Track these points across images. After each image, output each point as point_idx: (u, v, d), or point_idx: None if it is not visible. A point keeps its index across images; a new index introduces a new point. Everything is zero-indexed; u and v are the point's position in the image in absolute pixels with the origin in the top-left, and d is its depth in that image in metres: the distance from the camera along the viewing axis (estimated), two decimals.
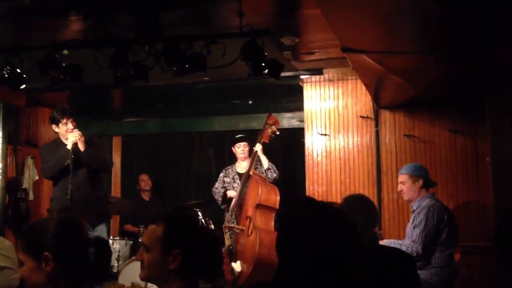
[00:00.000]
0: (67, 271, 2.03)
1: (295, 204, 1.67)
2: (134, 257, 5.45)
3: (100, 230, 4.95)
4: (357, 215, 2.63)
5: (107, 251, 2.31)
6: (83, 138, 4.80)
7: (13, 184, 6.02)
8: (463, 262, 4.90)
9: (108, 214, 5.28)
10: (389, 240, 4.43)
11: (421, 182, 4.15)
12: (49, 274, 2.01)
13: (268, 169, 5.76)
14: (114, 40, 3.82)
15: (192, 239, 2.14)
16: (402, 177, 4.25)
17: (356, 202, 2.93)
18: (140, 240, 5.64)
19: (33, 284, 2.04)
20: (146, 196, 7.11)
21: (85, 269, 2.08)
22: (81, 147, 4.79)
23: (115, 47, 3.78)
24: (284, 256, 1.58)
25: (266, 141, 5.70)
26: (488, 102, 4.47)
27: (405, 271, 2.72)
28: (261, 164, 5.84)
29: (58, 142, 4.98)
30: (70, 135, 4.80)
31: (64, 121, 4.87)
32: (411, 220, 4.12)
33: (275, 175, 5.77)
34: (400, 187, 4.26)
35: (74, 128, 4.86)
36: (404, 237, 4.40)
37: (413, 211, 4.15)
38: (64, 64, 4.03)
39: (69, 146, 4.77)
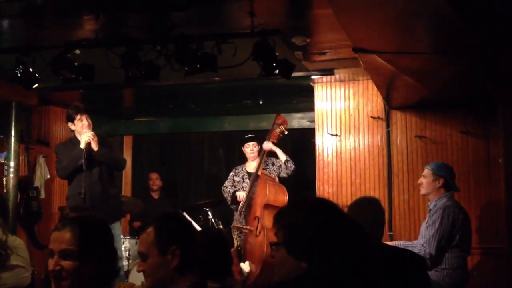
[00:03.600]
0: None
1: (321, 206, 1.69)
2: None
3: (116, 228, 5.01)
4: (362, 218, 2.58)
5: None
6: (96, 138, 4.85)
7: (25, 183, 6.06)
8: (475, 264, 4.86)
9: (122, 211, 5.35)
10: (399, 242, 4.40)
11: (441, 181, 4.10)
12: None
13: (287, 160, 5.75)
14: (126, 39, 3.84)
15: (185, 233, 2.17)
16: (425, 171, 4.25)
17: (365, 205, 2.91)
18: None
19: None
20: (155, 195, 7.14)
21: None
22: (95, 146, 4.85)
23: (126, 46, 3.79)
24: (317, 256, 1.60)
25: (275, 141, 5.70)
26: (500, 103, 4.42)
27: (416, 272, 2.70)
28: (272, 163, 5.84)
29: (74, 141, 5.04)
30: (83, 136, 4.85)
31: (79, 117, 4.94)
32: (426, 219, 4.09)
33: (293, 166, 5.77)
34: (421, 179, 4.26)
35: (90, 124, 4.93)
36: (415, 238, 4.37)
37: (430, 210, 4.11)
38: (76, 64, 4.05)
39: (82, 146, 4.81)
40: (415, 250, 3.83)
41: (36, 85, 4.28)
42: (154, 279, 2.11)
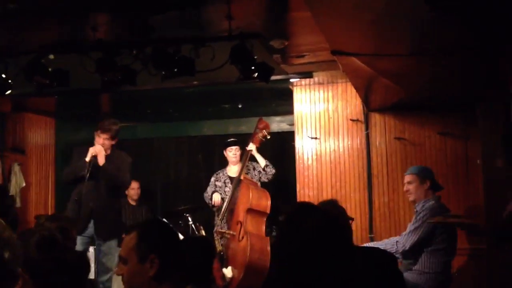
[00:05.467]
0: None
1: (301, 211, 1.67)
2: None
3: (109, 246, 4.97)
4: None
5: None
6: (103, 153, 4.89)
7: (0, 191, 5.93)
8: (455, 266, 4.88)
9: (121, 228, 5.24)
10: (368, 243, 4.42)
11: (428, 183, 4.09)
12: None
13: (267, 165, 5.78)
14: (101, 44, 3.77)
15: (167, 242, 2.14)
16: (409, 177, 4.19)
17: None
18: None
19: None
20: (133, 201, 7.02)
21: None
22: (100, 161, 4.88)
23: (102, 51, 3.73)
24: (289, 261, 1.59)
25: (257, 145, 5.68)
26: (478, 104, 4.47)
27: (385, 268, 2.69)
28: (253, 168, 5.82)
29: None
30: (90, 148, 4.90)
31: (98, 133, 5.00)
32: (412, 221, 4.09)
33: (273, 170, 5.79)
34: (406, 187, 4.20)
35: (105, 145, 4.96)
36: None
37: (416, 211, 4.10)
38: (50, 69, 3.97)
39: (87, 158, 4.84)
40: (384, 247, 3.84)
41: (9, 91, 4.19)
42: (131, 285, 2.10)
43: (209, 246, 3.17)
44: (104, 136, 4.98)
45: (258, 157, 5.77)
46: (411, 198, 4.18)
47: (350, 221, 3.04)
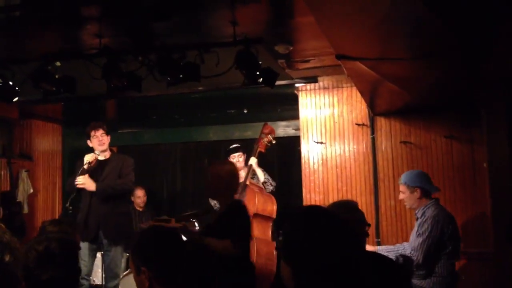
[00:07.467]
0: None
1: (304, 216, 1.67)
2: (129, 270, 5.43)
3: (116, 252, 5.02)
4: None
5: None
6: (89, 184, 4.91)
7: (8, 198, 5.97)
8: (462, 269, 4.86)
9: (127, 232, 5.20)
10: (381, 247, 4.38)
11: (418, 191, 4.06)
12: None
13: (265, 182, 5.74)
14: (107, 50, 3.79)
15: (159, 254, 2.09)
16: (401, 187, 4.18)
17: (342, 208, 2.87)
18: None
19: None
20: (139, 207, 7.03)
21: None
22: (90, 188, 4.91)
23: (107, 57, 3.75)
24: (295, 267, 1.58)
25: (262, 150, 5.68)
26: (483, 107, 4.44)
27: (397, 280, 2.67)
28: (257, 176, 5.81)
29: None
30: (86, 156, 4.94)
31: (93, 133, 5.04)
32: (415, 228, 4.06)
33: (271, 187, 5.75)
34: (400, 195, 4.20)
35: (103, 141, 5.04)
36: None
37: (417, 218, 4.08)
38: (56, 76, 4.00)
39: (85, 166, 4.90)
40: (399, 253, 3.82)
41: (16, 98, 4.22)
42: None
43: (208, 250, 3.16)
44: (99, 132, 5.03)
45: (259, 172, 5.75)
46: (407, 206, 4.19)
47: (367, 228, 2.98)
